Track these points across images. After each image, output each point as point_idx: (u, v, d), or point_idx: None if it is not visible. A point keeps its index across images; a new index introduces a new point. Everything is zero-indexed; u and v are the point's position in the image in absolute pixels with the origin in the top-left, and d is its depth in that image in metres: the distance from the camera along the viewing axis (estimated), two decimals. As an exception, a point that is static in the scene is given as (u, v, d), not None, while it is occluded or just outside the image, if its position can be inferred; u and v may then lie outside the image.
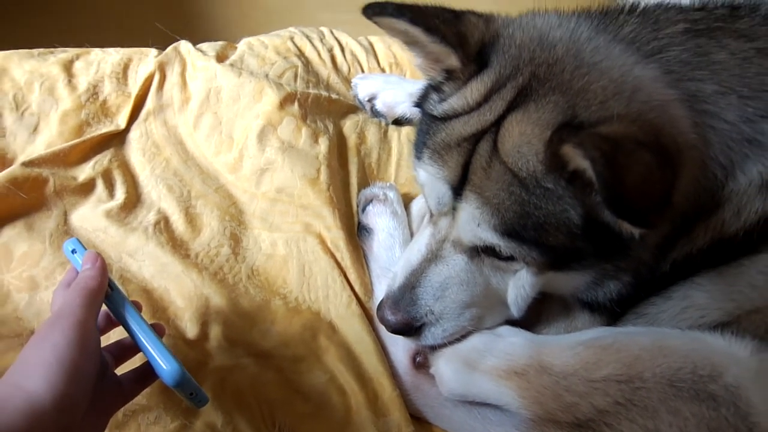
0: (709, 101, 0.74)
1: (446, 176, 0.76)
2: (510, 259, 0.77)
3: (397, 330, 0.85)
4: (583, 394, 0.71)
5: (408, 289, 0.83)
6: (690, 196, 0.73)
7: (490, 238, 0.74)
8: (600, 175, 0.60)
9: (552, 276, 0.78)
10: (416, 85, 1.22)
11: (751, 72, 0.75)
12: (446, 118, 0.77)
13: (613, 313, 0.84)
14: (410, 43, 0.80)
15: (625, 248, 0.73)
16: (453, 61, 0.77)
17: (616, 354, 0.72)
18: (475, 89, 0.75)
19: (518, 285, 0.80)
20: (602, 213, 0.69)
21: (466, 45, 0.75)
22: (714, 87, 0.74)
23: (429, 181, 0.79)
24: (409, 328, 0.84)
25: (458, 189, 0.75)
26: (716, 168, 0.74)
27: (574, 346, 0.76)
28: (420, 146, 0.80)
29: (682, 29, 0.78)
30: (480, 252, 0.79)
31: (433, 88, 0.82)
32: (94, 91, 1.13)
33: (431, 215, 0.85)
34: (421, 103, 0.85)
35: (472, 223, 0.74)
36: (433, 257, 0.82)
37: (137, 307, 0.77)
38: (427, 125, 0.80)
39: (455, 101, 0.77)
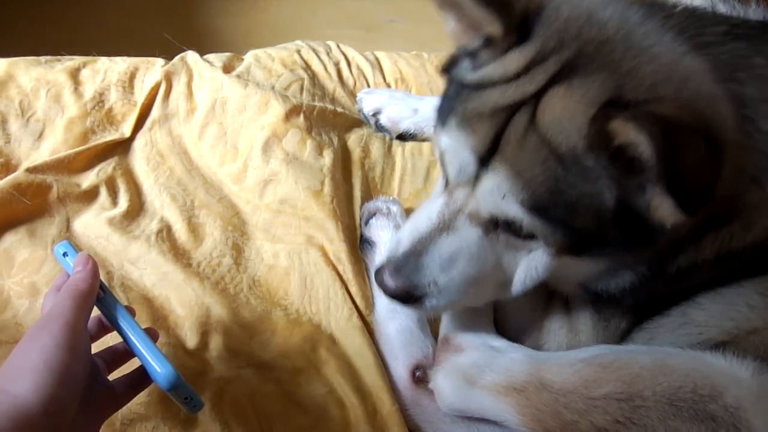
0: (749, 106, 0.72)
1: (474, 145, 0.73)
2: (529, 237, 0.74)
3: (396, 296, 0.82)
4: (583, 411, 0.70)
5: (413, 257, 0.80)
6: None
7: (515, 212, 0.71)
8: (661, 156, 0.58)
9: (568, 260, 0.76)
10: (421, 101, 1.23)
11: None
12: (480, 87, 0.74)
13: (620, 307, 0.83)
14: (448, 5, 0.77)
15: (649, 239, 0.71)
16: (494, 28, 0.73)
17: (616, 372, 0.72)
18: (515, 59, 0.72)
19: (531, 265, 0.78)
20: (637, 198, 0.67)
21: (510, 13, 0.72)
22: (755, 92, 0.73)
23: (453, 148, 0.75)
24: (409, 297, 0.81)
25: (485, 160, 0.72)
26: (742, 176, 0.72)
27: (574, 363, 0.76)
28: (446, 112, 0.76)
29: (724, 30, 0.76)
30: (496, 227, 0.76)
31: (467, 54, 0.78)
32: (100, 99, 1.14)
33: (446, 185, 0.81)
34: (449, 68, 0.82)
35: (497, 194, 0.72)
36: (444, 227, 0.79)
37: (131, 312, 0.76)
38: (456, 92, 0.77)
39: (493, 70, 0.74)
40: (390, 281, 0.81)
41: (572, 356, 0.78)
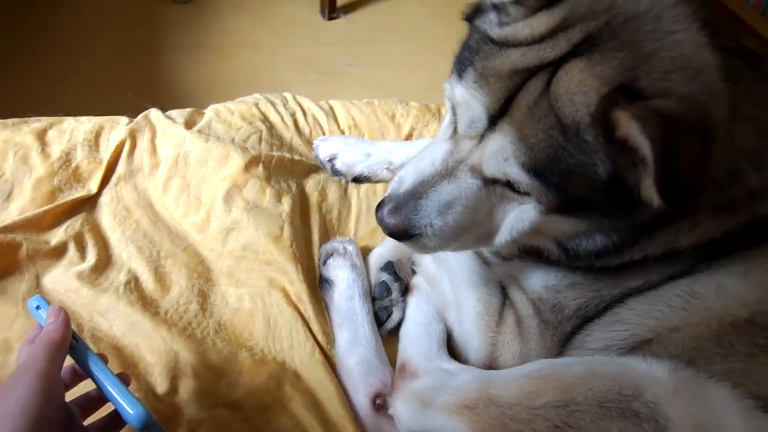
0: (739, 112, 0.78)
1: (487, 103, 0.76)
2: (524, 193, 0.78)
3: (393, 234, 0.85)
4: (527, 421, 0.76)
5: (413, 197, 0.83)
6: None
7: (515, 173, 0.75)
8: (659, 158, 0.63)
9: (554, 218, 0.80)
10: (373, 146, 1.31)
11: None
12: (504, 45, 0.77)
13: (588, 269, 0.89)
14: None
15: (631, 211, 0.76)
16: None
17: (553, 382, 0.78)
18: (543, 21, 0.75)
19: (519, 217, 0.82)
20: (628, 175, 0.72)
21: None
22: (748, 107, 0.79)
23: (466, 102, 0.78)
24: (405, 234, 0.84)
25: (495, 118, 0.76)
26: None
27: (517, 378, 0.82)
28: (464, 64, 0.79)
29: (735, 44, 0.83)
30: (495, 181, 0.80)
31: (494, 6, 0.81)
32: (66, 158, 1.19)
33: (454, 131, 0.84)
34: (472, 16, 0.85)
35: (500, 156, 0.76)
36: (446, 174, 0.82)
37: (103, 359, 0.80)
38: (478, 45, 0.79)
39: (519, 29, 0.76)
40: (389, 218, 0.84)
41: (515, 372, 0.85)
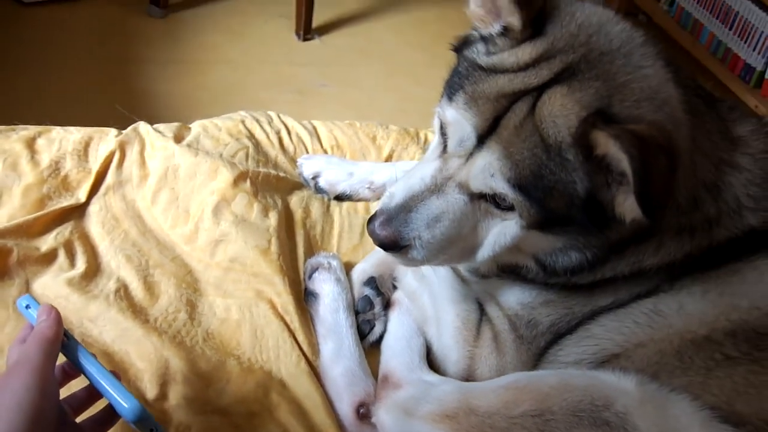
0: (698, 145, 0.88)
1: (476, 123, 0.84)
2: (507, 209, 0.85)
3: (383, 245, 0.91)
4: (505, 429, 0.82)
5: (403, 211, 0.89)
6: None
7: (501, 188, 0.82)
8: (636, 171, 0.71)
9: (534, 234, 0.87)
10: (355, 165, 1.36)
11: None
12: (492, 71, 0.85)
13: (563, 286, 0.96)
14: None
15: (605, 227, 0.84)
16: (515, 20, 0.84)
17: (530, 393, 0.84)
18: (526, 52, 0.84)
19: (502, 232, 0.88)
20: (603, 193, 0.80)
21: (529, 8, 0.83)
22: (705, 142, 0.89)
23: (457, 122, 0.86)
24: (395, 246, 0.90)
25: (483, 137, 0.83)
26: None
27: (496, 389, 0.88)
28: (455, 88, 0.87)
29: (695, 84, 0.93)
30: (480, 197, 0.87)
31: (482, 38, 0.90)
32: (56, 167, 1.21)
33: (443, 150, 0.90)
34: (461, 47, 0.93)
35: (487, 172, 0.83)
36: (435, 189, 0.88)
37: (94, 356, 0.82)
38: (467, 71, 0.87)
39: (506, 58, 0.85)
40: (380, 230, 0.89)
41: (494, 383, 0.91)
